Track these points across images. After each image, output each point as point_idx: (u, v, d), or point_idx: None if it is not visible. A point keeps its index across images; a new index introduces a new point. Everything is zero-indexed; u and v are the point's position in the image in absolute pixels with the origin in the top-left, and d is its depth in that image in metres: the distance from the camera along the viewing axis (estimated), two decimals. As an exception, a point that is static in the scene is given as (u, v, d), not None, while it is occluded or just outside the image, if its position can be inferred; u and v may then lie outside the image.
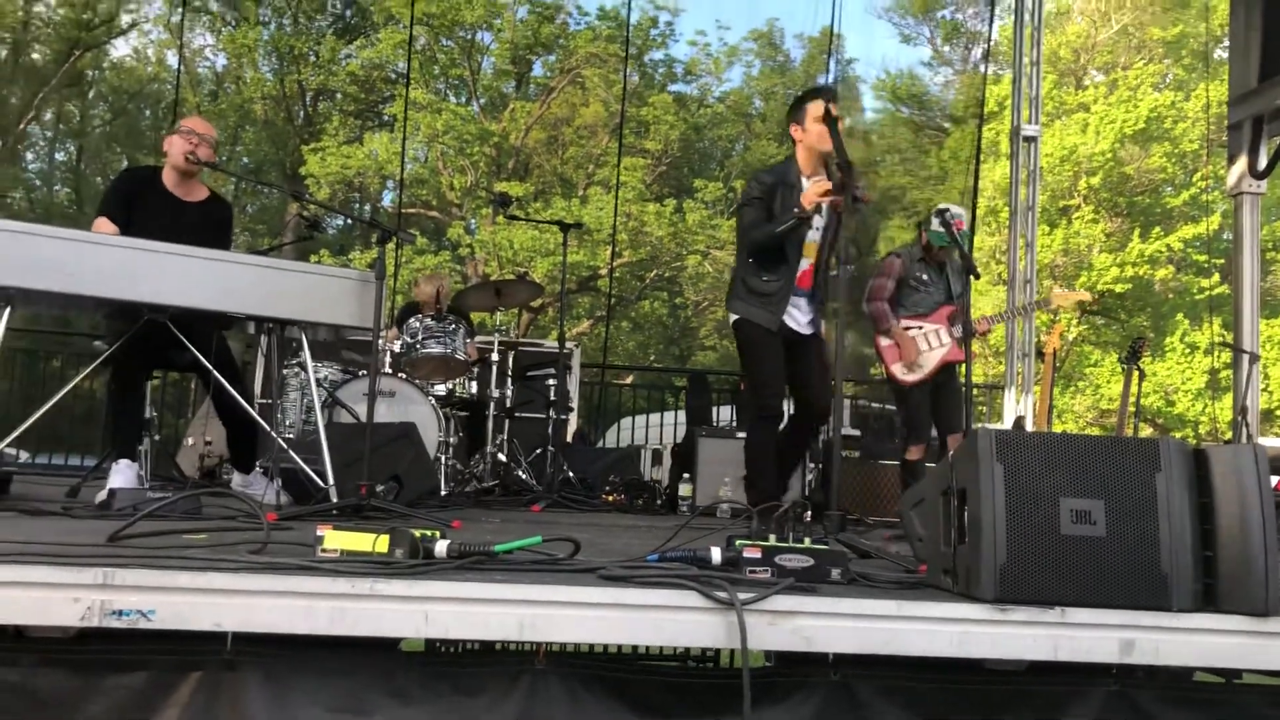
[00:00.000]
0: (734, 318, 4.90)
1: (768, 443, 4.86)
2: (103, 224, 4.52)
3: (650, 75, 25.11)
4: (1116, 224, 22.30)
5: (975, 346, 5.75)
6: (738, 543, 2.51)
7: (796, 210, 4.61)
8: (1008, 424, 8.32)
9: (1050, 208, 20.45)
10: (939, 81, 27.56)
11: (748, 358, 4.93)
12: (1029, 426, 7.77)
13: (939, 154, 24.18)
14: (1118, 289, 21.25)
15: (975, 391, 11.23)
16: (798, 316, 4.85)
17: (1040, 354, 8.48)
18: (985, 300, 18.58)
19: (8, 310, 3.80)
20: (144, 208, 4.62)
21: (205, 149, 4.72)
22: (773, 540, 2.51)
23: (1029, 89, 8.73)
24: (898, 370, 5.81)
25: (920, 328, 5.82)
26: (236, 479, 4.99)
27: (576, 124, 23.98)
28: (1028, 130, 8.71)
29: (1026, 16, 8.74)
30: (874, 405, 10.55)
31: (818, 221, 4.82)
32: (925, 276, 5.92)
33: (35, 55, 25.69)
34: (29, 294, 3.83)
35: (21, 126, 25.50)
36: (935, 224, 5.76)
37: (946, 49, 27.40)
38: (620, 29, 22.62)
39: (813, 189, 4.61)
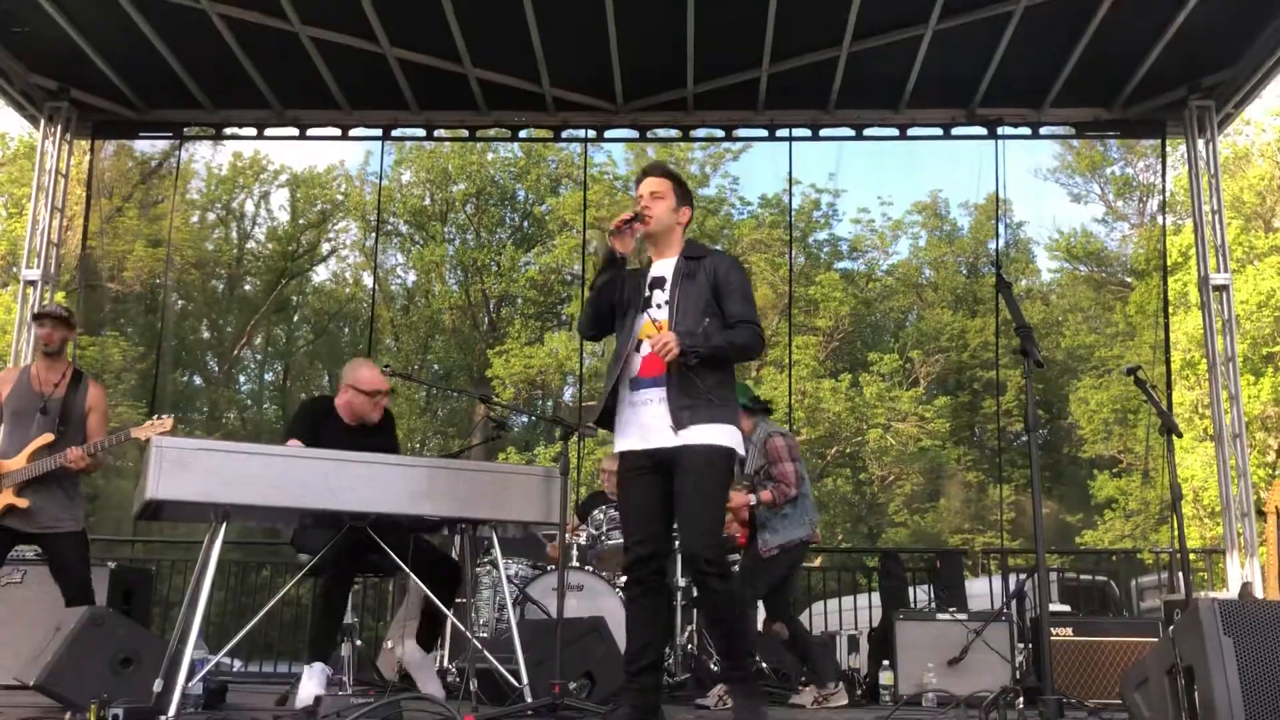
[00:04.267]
0: None
1: (630, 608, 3.79)
2: (293, 445, 4.75)
3: (816, 255, 25.50)
4: (1332, 368, 20.85)
5: (1188, 510, 5.37)
6: (946, 735, 2.36)
7: (604, 257, 3.83)
8: (1233, 592, 7.67)
9: (1253, 356, 19.34)
10: (1115, 237, 26.92)
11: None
12: (1259, 594, 7.14)
13: (1124, 309, 23.37)
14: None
15: (1193, 557, 10.46)
16: (649, 420, 3.69)
17: (1262, 512, 7.86)
18: (1192, 457, 17.50)
19: (224, 525, 4.05)
20: (325, 433, 4.89)
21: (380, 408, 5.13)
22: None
23: (1214, 237, 8.43)
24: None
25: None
26: (413, 650, 5.03)
27: (746, 309, 24.39)
28: (1217, 279, 8.35)
29: (1201, 165, 8.52)
30: (1083, 577, 9.96)
31: (659, 297, 3.83)
32: None
33: (247, 286, 28.17)
34: (242, 509, 4.09)
35: (235, 352, 27.76)
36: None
37: (1120, 203, 26.83)
38: (783, 215, 23.21)
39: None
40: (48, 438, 5.12)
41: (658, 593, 3.72)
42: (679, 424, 3.61)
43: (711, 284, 3.79)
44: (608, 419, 3.88)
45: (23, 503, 5.03)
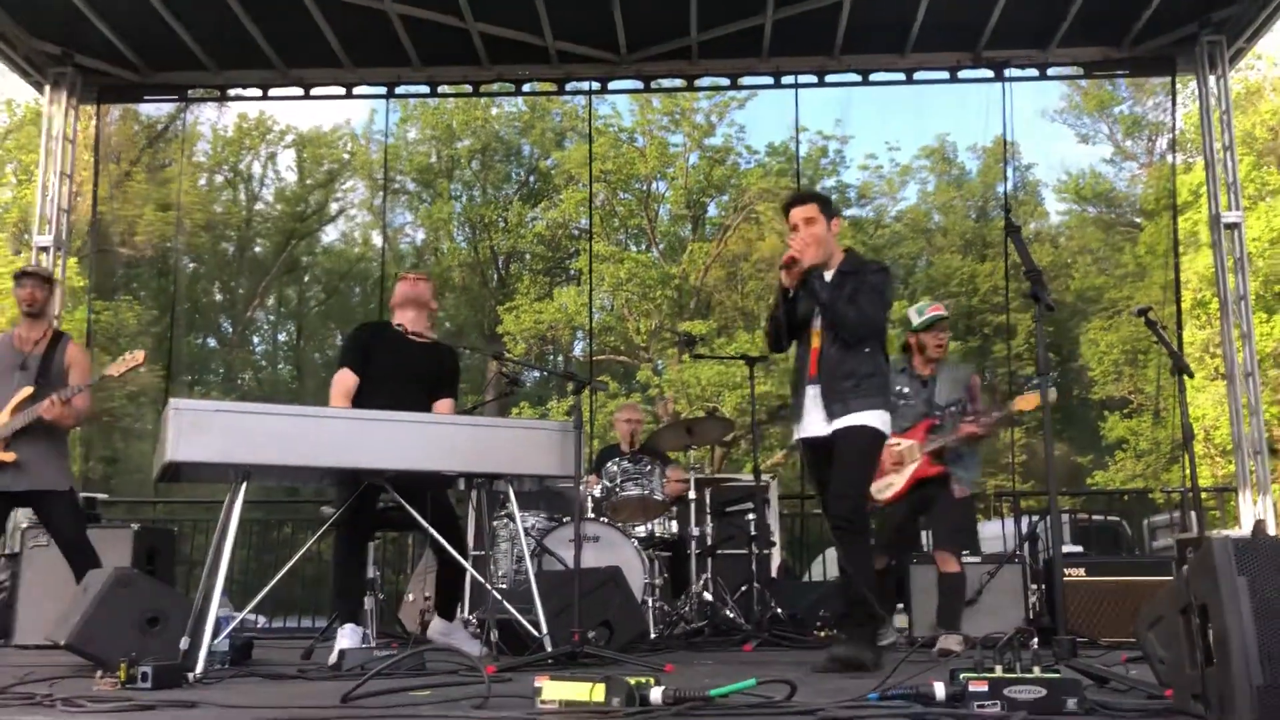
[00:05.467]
0: None
1: (842, 570, 4.39)
2: (345, 375, 4.83)
3: (824, 203, 25.32)
4: (1345, 304, 20.71)
5: (1199, 449, 5.33)
6: (962, 676, 2.40)
7: (779, 290, 4.43)
8: (1246, 530, 7.70)
9: (1265, 294, 19.24)
10: (1124, 177, 26.69)
11: None
12: (1271, 531, 7.17)
13: (1134, 250, 23.23)
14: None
15: (1205, 495, 10.48)
16: (811, 412, 4.34)
17: (1274, 450, 7.88)
18: (1204, 396, 17.48)
19: (244, 485, 4.10)
20: (379, 351, 4.92)
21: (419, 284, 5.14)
22: (999, 671, 2.40)
23: (1225, 174, 8.36)
24: (872, 489, 5.45)
25: (896, 444, 5.47)
26: (437, 624, 5.11)
27: (754, 258, 24.32)
28: (1228, 217, 8.29)
29: (1212, 101, 8.43)
30: (1095, 518, 9.99)
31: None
32: (905, 389, 5.59)
33: (258, 248, 28.17)
34: (261, 469, 4.13)
35: (248, 313, 27.83)
36: (916, 317, 5.62)
37: (1129, 143, 26.58)
38: (790, 163, 23.06)
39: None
40: (27, 391, 5.21)
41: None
42: (831, 415, 4.24)
43: (852, 292, 4.32)
44: (798, 414, 4.43)
45: (9, 456, 5.12)
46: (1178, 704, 2.52)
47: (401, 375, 4.83)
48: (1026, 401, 5.68)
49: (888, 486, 5.57)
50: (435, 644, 4.91)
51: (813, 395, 4.34)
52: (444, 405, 5.01)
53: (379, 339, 5.03)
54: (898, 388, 5.56)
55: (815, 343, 4.37)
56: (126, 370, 5.14)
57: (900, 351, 5.85)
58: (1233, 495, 8.54)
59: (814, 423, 4.31)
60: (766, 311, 4.47)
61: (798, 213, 4.43)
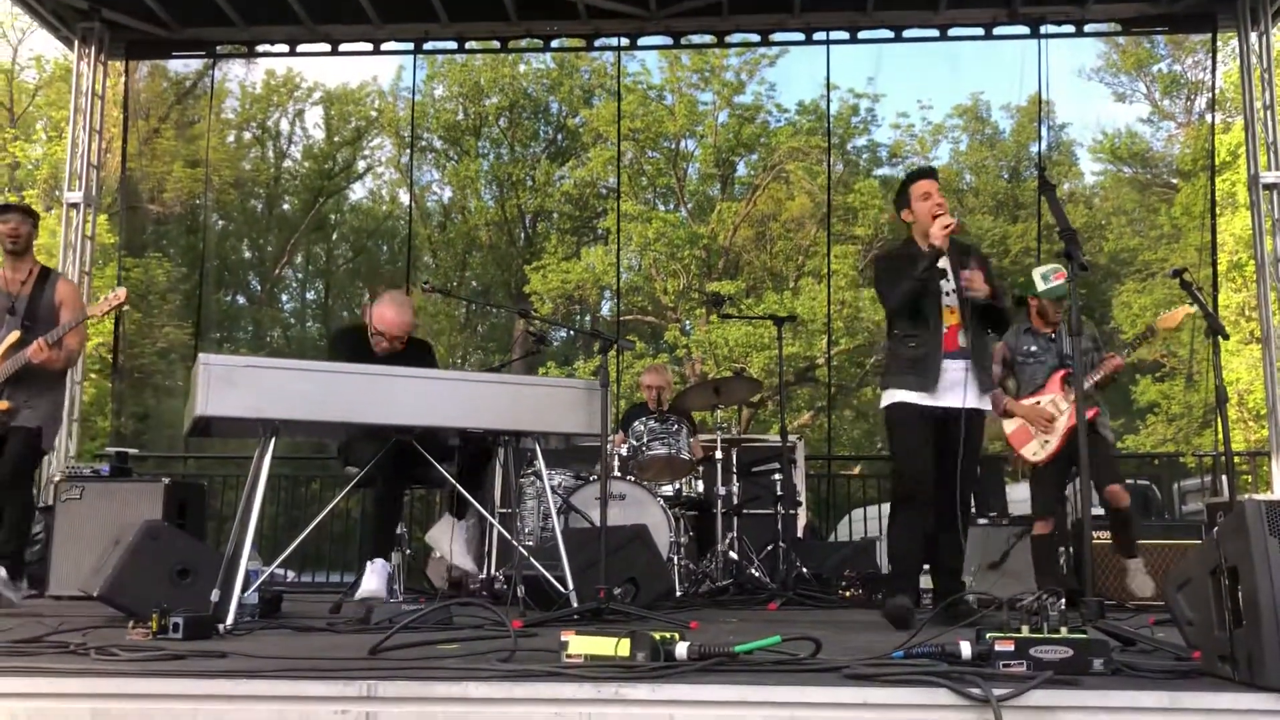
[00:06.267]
0: (885, 401, 4.61)
1: (903, 524, 4.52)
2: None
3: (854, 162, 25.10)
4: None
5: (1232, 413, 5.30)
6: (988, 635, 2.39)
7: (929, 254, 4.46)
8: (1278, 494, 7.62)
9: (1303, 256, 18.90)
10: (1161, 137, 26.21)
11: (892, 437, 4.62)
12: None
13: (1169, 211, 22.87)
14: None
15: (1237, 460, 10.38)
16: (950, 384, 4.46)
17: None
18: (1238, 360, 17.27)
19: (273, 440, 4.13)
20: (368, 356, 5.00)
21: (389, 342, 5.11)
22: (1026, 631, 2.39)
23: (1265, 134, 8.20)
24: (1027, 453, 5.66)
25: (1037, 403, 5.64)
26: (443, 522, 5.28)
27: (783, 218, 24.14)
28: (1267, 178, 8.14)
29: (1254, 59, 8.25)
30: (1125, 482, 9.92)
31: (947, 286, 4.58)
32: (1034, 348, 5.73)
33: (286, 206, 28.25)
34: (291, 424, 4.16)
35: (277, 271, 27.96)
36: (1041, 283, 5.56)
37: (1166, 102, 26.08)
38: (820, 121, 22.78)
39: (935, 226, 4.43)
40: (15, 335, 5.18)
41: (924, 513, 4.48)
42: (983, 388, 4.56)
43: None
44: (928, 384, 4.48)
45: (2, 405, 5.15)
46: (1205, 666, 2.50)
47: None
48: (1171, 319, 5.82)
49: (1043, 446, 5.63)
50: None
51: (961, 368, 4.49)
52: None
53: (366, 342, 5.14)
54: (1025, 347, 5.76)
55: (952, 319, 4.55)
56: (109, 309, 5.18)
57: (1023, 314, 5.95)
58: (1265, 460, 8.45)
59: (970, 395, 4.47)
60: (913, 274, 4.47)
61: (929, 184, 4.64)
